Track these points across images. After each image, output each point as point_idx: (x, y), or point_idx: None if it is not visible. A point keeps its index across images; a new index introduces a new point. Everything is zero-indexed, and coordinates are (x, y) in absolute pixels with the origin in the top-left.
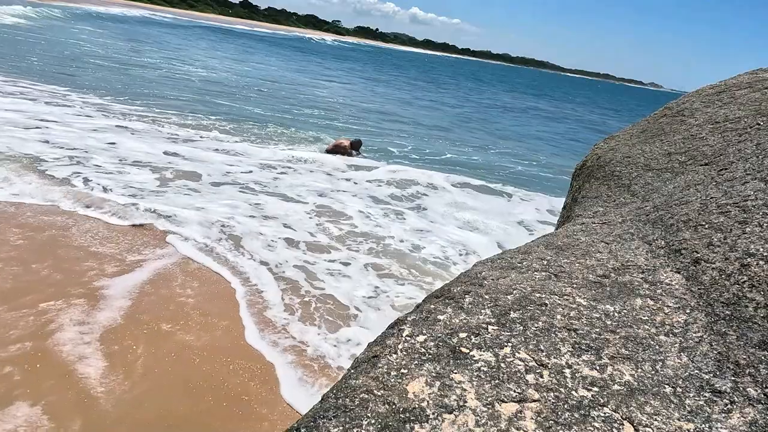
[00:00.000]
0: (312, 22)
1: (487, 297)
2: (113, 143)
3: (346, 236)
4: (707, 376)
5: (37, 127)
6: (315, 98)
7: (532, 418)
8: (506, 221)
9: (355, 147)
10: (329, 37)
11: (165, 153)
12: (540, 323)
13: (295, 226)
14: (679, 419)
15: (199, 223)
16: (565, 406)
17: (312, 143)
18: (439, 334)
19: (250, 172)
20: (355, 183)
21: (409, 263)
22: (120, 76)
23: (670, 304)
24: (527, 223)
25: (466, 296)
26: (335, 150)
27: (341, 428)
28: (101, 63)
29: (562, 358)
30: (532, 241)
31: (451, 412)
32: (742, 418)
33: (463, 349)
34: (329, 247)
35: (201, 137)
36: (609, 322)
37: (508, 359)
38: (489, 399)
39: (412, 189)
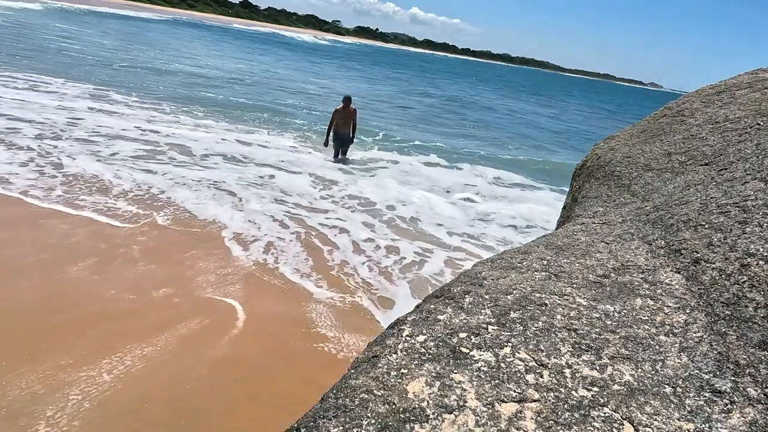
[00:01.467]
0: (312, 22)
1: (487, 297)
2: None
3: (328, 195)
4: (707, 376)
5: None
6: (299, 92)
7: (532, 418)
8: (451, 185)
9: (347, 101)
10: (306, 35)
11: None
12: (540, 323)
13: (290, 192)
14: (679, 419)
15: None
16: (565, 406)
17: (295, 131)
18: (439, 334)
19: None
20: (320, 159)
21: (384, 216)
22: (105, 70)
23: (670, 304)
24: (470, 185)
25: (466, 296)
26: (336, 128)
27: (341, 428)
28: (83, 57)
29: (562, 358)
30: (532, 241)
31: (451, 412)
32: (742, 418)
33: (463, 349)
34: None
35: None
36: (609, 322)
37: (508, 359)
38: (489, 399)
39: (374, 165)
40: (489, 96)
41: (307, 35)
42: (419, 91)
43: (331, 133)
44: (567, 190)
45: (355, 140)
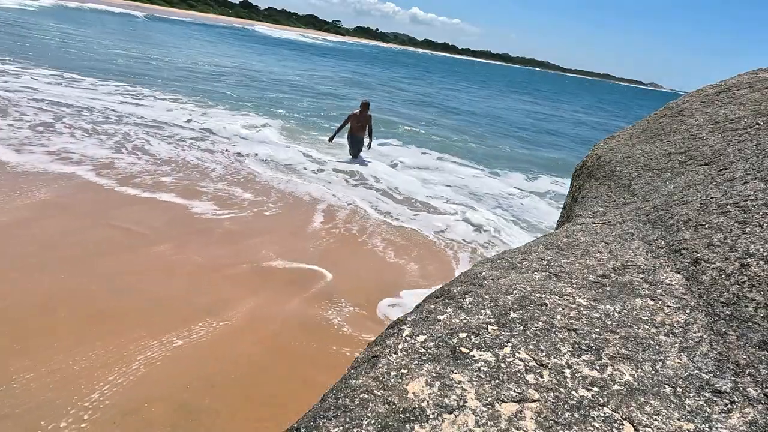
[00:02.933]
0: (312, 22)
1: (487, 297)
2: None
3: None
4: (707, 376)
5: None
6: (284, 84)
7: (532, 418)
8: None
9: (365, 106)
10: (291, 34)
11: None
12: (540, 323)
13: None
14: (679, 419)
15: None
16: (565, 406)
17: (281, 117)
18: (439, 334)
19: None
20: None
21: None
22: (107, 64)
23: (670, 304)
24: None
25: (466, 296)
26: (353, 130)
27: (341, 428)
28: (88, 55)
29: (562, 358)
30: (532, 241)
31: (451, 412)
32: (742, 418)
33: (463, 349)
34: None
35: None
36: (609, 322)
37: (508, 359)
38: (489, 399)
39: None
40: (466, 91)
41: (292, 33)
42: (399, 86)
43: (347, 137)
44: (490, 169)
45: (372, 144)
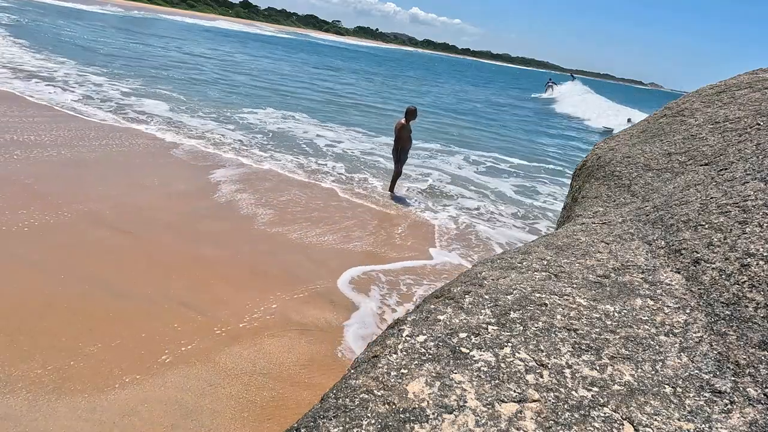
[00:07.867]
0: (312, 22)
1: (487, 297)
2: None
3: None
4: (707, 376)
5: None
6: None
7: (532, 418)
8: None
9: (412, 114)
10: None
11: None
12: (540, 323)
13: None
14: (679, 419)
15: None
16: (565, 406)
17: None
18: (439, 334)
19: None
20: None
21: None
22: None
23: (670, 304)
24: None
25: (466, 296)
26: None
27: (341, 428)
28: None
29: (562, 358)
30: (532, 241)
31: (451, 412)
32: (742, 418)
33: (463, 349)
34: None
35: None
36: (609, 322)
37: (508, 359)
38: (489, 399)
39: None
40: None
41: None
42: (384, 84)
43: (395, 152)
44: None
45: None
